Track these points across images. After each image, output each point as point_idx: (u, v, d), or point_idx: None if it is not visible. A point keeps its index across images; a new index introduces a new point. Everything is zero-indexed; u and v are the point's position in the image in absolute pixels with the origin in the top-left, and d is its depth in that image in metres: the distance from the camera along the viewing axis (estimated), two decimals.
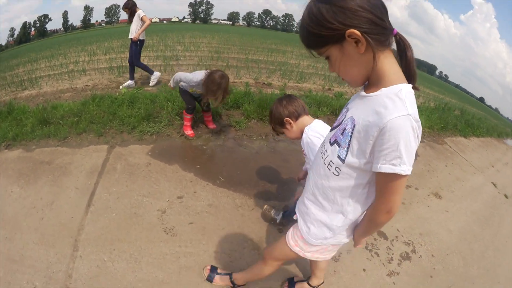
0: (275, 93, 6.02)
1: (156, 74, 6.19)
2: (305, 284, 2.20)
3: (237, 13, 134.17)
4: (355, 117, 1.07)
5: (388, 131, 0.93)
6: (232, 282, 2.08)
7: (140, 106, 4.46)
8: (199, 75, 3.48)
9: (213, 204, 3.01)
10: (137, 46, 5.72)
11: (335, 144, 1.17)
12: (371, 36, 0.95)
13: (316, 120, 2.15)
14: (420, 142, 5.10)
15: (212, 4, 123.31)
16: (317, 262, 2.02)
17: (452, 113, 10.52)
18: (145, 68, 6.09)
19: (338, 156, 1.14)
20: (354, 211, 1.23)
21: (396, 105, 0.94)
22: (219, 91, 3.35)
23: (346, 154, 1.10)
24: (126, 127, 4.05)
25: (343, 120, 1.16)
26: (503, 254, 3.43)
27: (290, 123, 2.11)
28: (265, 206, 2.98)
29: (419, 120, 0.95)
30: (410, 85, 1.01)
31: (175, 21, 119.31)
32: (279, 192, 3.37)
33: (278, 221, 2.84)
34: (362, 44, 0.95)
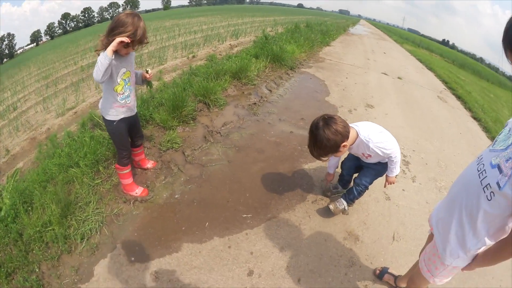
0: (163, 84, 4.76)
1: None
2: (392, 279, 2.19)
3: (38, 31, 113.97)
4: None
5: None
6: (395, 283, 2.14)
7: (34, 202, 2.51)
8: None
9: (277, 244, 2.34)
10: None
11: (497, 168, 1.14)
12: None
13: (357, 125, 2.22)
14: (309, 68, 6.66)
15: (13, 34, 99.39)
16: (416, 277, 1.75)
17: (304, 30, 11.16)
18: None
19: (497, 183, 1.11)
20: (487, 239, 1.24)
21: None
22: (138, 28, 2.12)
23: (505, 184, 1.08)
24: (53, 251, 2.20)
25: (509, 146, 1.14)
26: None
27: (345, 145, 2.09)
28: (331, 205, 2.59)
29: None
30: None
31: None
32: (300, 183, 2.98)
33: (346, 208, 2.62)
34: None
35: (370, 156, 2.24)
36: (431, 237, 1.68)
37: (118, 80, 2.28)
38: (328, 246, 2.35)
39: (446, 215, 1.40)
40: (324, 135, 2.00)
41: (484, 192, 1.17)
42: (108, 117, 2.37)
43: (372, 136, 2.16)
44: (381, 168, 2.44)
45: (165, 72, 6.01)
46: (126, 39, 2.03)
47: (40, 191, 2.63)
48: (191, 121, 3.79)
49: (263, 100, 4.62)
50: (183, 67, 6.03)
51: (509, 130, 1.21)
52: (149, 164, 3.03)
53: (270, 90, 5.09)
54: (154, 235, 2.33)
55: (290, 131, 3.85)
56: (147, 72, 2.46)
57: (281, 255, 2.24)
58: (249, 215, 2.51)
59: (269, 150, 3.37)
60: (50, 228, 2.33)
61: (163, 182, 2.84)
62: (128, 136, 2.57)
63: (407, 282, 1.89)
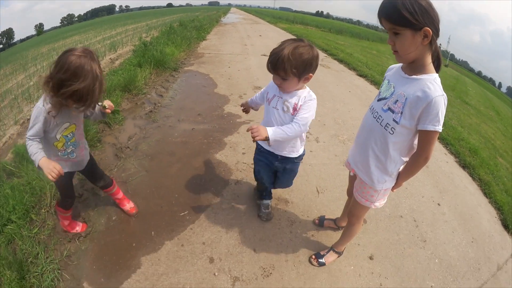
0: None
1: None
2: (332, 223, 2.69)
3: None
4: (405, 93, 1.56)
5: (433, 104, 1.46)
6: (337, 252, 2.41)
7: None
8: (40, 101, 1.84)
9: (221, 228, 2.62)
10: None
11: (389, 111, 1.64)
12: (434, 37, 1.44)
13: None
14: (192, 65, 7.50)
15: None
16: (357, 210, 2.09)
17: (179, 29, 11.32)
18: None
19: (393, 120, 1.61)
20: (401, 159, 1.74)
21: (436, 88, 1.47)
22: (93, 81, 1.84)
23: (400, 118, 1.58)
24: None
25: (392, 93, 1.64)
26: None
27: (310, 77, 2.04)
28: (262, 217, 2.72)
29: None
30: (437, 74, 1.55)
31: None
32: (218, 170, 3.31)
33: (270, 202, 2.78)
34: (428, 39, 1.43)
35: (296, 110, 2.08)
36: (352, 178, 2.14)
37: (58, 137, 1.95)
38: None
39: (362, 157, 1.85)
40: (306, 50, 1.91)
41: (386, 130, 1.65)
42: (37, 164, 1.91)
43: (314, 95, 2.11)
44: (295, 166, 2.44)
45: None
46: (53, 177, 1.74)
47: None
48: (98, 144, 3.74)
49: (158, 106, 4.82)
50: None
51: (388, 82, 1.71)
52: (128, 207, 2.76)
53: (161, 95, 5.32)
54: (111, 261, 2.37)
55: (191, 128, 4.17)
56: (104, 108, 2.16)
57: (229, 236, 2.52)
58: (186, 212, 2.72)
59: (179, 151, 3.61)
60: None
61: (96, 209, 2.82)
62: (72, 185, 2.42)
63: (348, 218, 2.22)
